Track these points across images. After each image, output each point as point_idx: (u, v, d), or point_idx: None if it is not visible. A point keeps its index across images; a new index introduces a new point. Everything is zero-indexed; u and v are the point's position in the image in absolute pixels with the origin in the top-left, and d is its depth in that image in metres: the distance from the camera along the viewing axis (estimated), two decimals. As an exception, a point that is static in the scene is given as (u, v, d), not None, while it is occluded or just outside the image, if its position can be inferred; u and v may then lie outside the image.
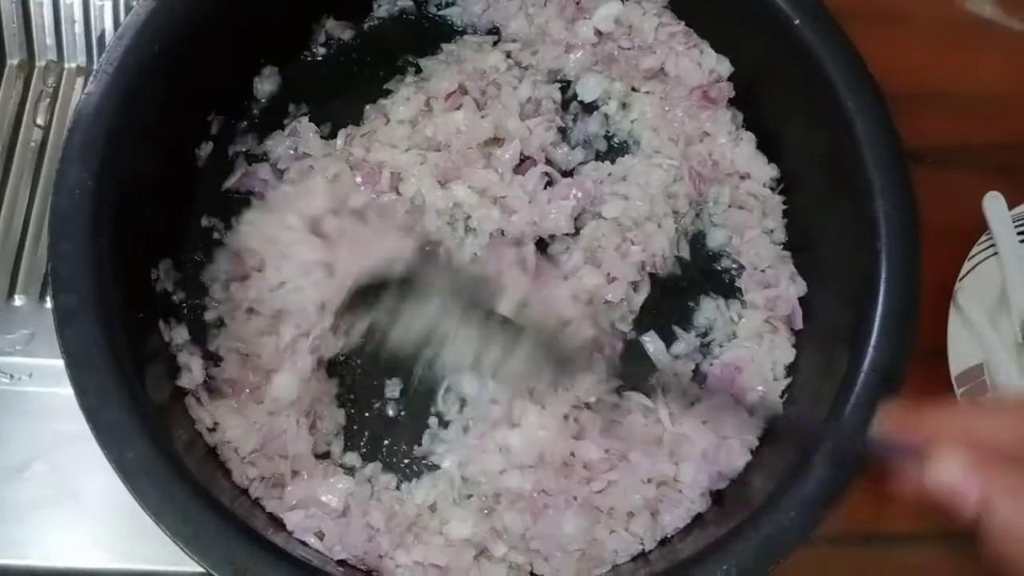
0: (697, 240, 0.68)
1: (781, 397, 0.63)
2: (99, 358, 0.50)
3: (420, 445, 0.61)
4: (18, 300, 0.66)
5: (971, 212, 0.70)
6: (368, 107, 0.68)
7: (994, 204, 0.70)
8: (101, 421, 0.49)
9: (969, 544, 0.65)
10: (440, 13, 0.72)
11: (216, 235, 0.65)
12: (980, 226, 0.70)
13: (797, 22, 0.60)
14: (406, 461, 0.61)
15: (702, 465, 0.60)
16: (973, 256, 0.70)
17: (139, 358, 0.53)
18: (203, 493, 0.49)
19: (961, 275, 0.69)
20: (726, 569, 0.50)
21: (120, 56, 0.54)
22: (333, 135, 0.67)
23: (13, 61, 0.73)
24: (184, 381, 0.59)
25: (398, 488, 0.60)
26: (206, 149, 0.66)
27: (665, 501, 0.59)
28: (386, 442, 0.62)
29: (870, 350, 0.54)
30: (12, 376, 0.64)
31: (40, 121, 0.71)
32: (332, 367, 0.62)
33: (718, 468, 0.60)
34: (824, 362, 0.60)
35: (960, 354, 0.67)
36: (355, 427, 0.62)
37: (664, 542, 0.58)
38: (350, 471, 0.59)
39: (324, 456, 0.60)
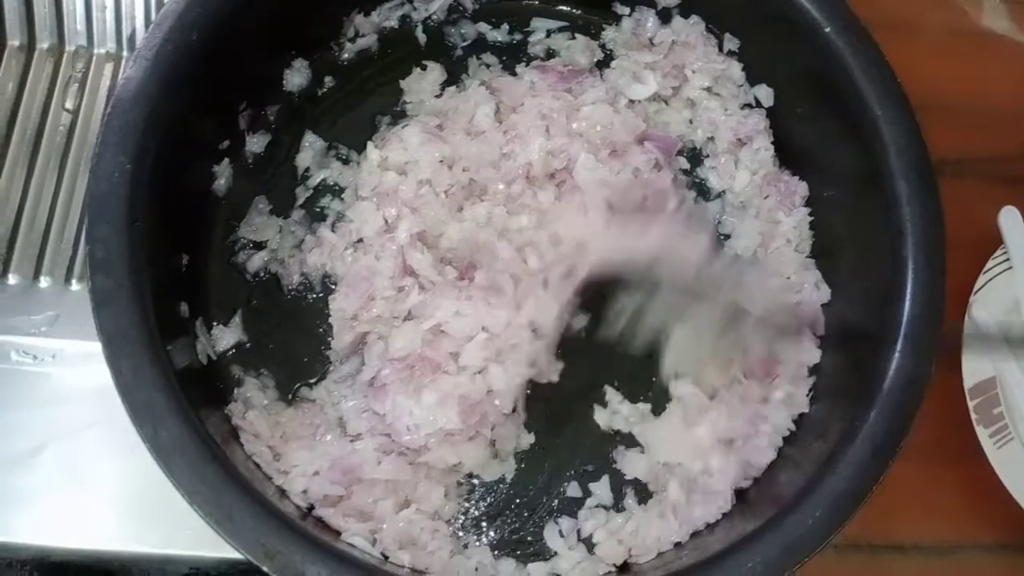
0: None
1: (808, 395, 0.63)
2: (135, 339, 0.50)
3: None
4: (43, 282, 0.67)
5: (986, 224, 0.71)
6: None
7: (1010, 218, 0.71)
8: (136, 400, 0.49)
9: (975, 554, 0.69)
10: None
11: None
12: (993, 237, 0.71)
13: (828, 30, 0.60)
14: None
15: (730, 457, 0.60)
16: (988, 269, 0.70)
17: (166, 336, 0.53)
18: (236, 476, 0.50)
19: (976, 288, 0.69)
20: (751, 567, 0.51)
21: (159, 42, 0.55)
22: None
23: (43, 45, 0.73)
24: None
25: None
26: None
27: (697, 493, 0.60)
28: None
29: (896, 355, 0.54)
30: (35, 357, 0.64)
31: (69, 106, 0.72)
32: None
33: (747, 462, 0.61)
34: (849, 365, 0.61)
35: (974, 366, 0.67)
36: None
37: (695, 535, 0.59)
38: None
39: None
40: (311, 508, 0.57)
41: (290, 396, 0.62)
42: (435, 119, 0.67)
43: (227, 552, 0.58)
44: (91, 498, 0.62)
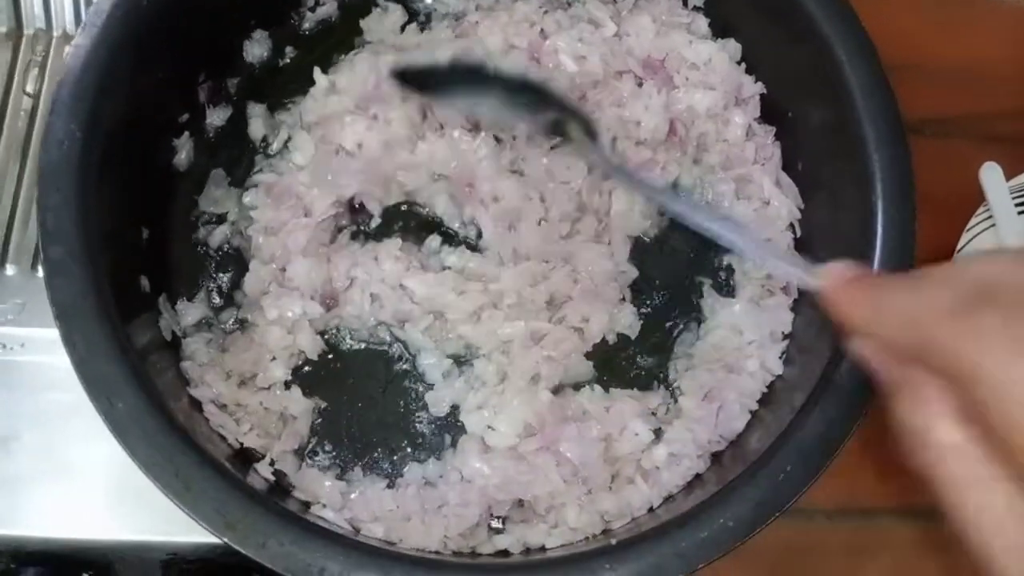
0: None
1: (780, 358, 0.62)
2: (88, 310, 0.49)
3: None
4: (9, 270, 0.66)
5: (969, 182, 0.69)
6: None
7: (991, 175, 0.69)
8: (90, 372, 0.48)
9: None
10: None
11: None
12: (978, 196, 0.69)
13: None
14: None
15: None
16: (971, 228, 0.69)
17: (125, 311, 0.52)
18: (194, 446, 0.49)
19: (960, 246, 0.68)
20: (722, 522, 0.50)
21: (109, 8, 0.54)
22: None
23: (1, 29, 0.72)
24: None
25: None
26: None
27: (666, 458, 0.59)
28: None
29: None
30: (4, 346, 0.64)
31: (29, 89, 0.71)
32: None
33: (718, 431, 0.60)
34: (820, 322, 0.59)
35: None
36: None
37: (669, 499, 0.58)
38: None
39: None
40: (278, 482, 0.56)
41: (230, 323, 0.62)
42: (391, 49, 0.66)
43: (204, 537, 0.57)
44: (66, 486, 0.61)
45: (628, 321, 0.64)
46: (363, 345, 0.63)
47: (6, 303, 0.65)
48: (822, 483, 0.51)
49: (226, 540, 0.47)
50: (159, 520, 0.60)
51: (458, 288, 0.61)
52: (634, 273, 0.65)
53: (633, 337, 0.64)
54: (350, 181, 0.63)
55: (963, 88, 0.78)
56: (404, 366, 0.62)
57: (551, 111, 0.60)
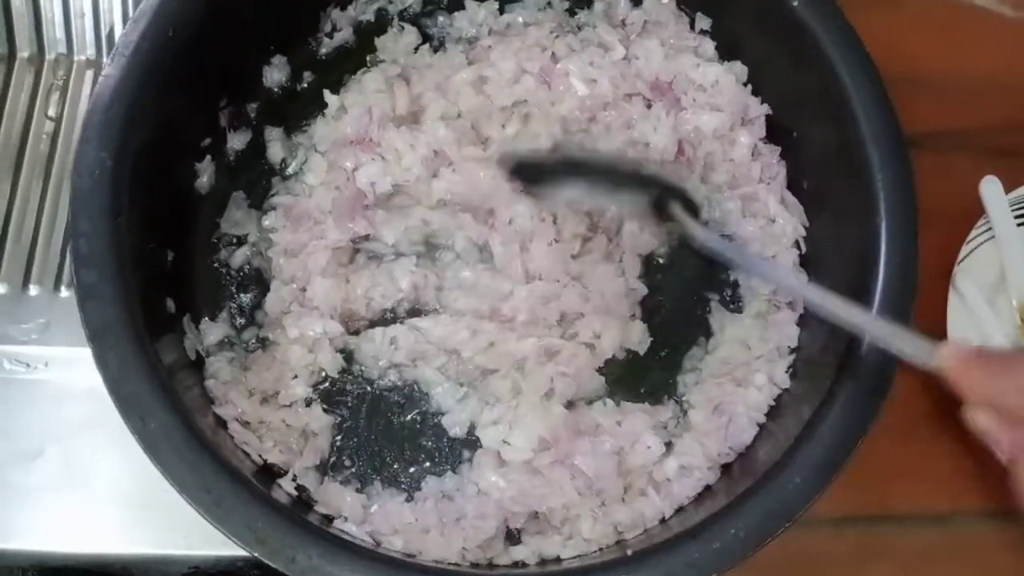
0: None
1: (787, 372, 0.64)
2: (120, 331, 0.51)
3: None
4: (33, 290, 0.67)
5: (969, 195, 0.71)
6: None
7: (990, 188, 0.71)
8: (123, 392, 0.50)
9: (971, 521, 0.69)
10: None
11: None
12: (978, 209, 0.71)
13: (795, 4, 0.61)
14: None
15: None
16: (971, 240, 0.70)
17: (153, 332, 0.53)
18: (224, 462, 0.50)
19: (960, 258, 0.69)
20: (734, 533, 0.51)
21: (136, 39, 0.56)
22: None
23: (24, 54, 0.73)
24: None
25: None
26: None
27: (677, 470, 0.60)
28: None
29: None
30: (28, 365, 0.65)
31: (51, 113, 0.72)
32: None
33: (728, 443, 0.61)
34: (826, 337, 0.61)
35: (959, 337, 0.67)
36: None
37: (680, 510, 0.60)
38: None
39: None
40: (300, 496, 0.58)
41: (251, 341, 0.64)
42: (399, 68, 0.68)
43: (225, 550, 0.59)
44: (90, 500, 0.62)
45: (638, 337, 0.65)
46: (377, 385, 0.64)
47: (30, 323, 0.66)
48: (828, 492, 0.52)
49: (256, 555, 0.48)
50: (180, 534, 0.61)
51: (472, 327, 0.63)
52: (644, 291, 0.66)
53: (643, 353, 0.66)
54: (363, 222, 0.65)
55: (963, 102, 0.79)
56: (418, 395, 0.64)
57: (651, 190, 0.61)
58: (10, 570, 0.63)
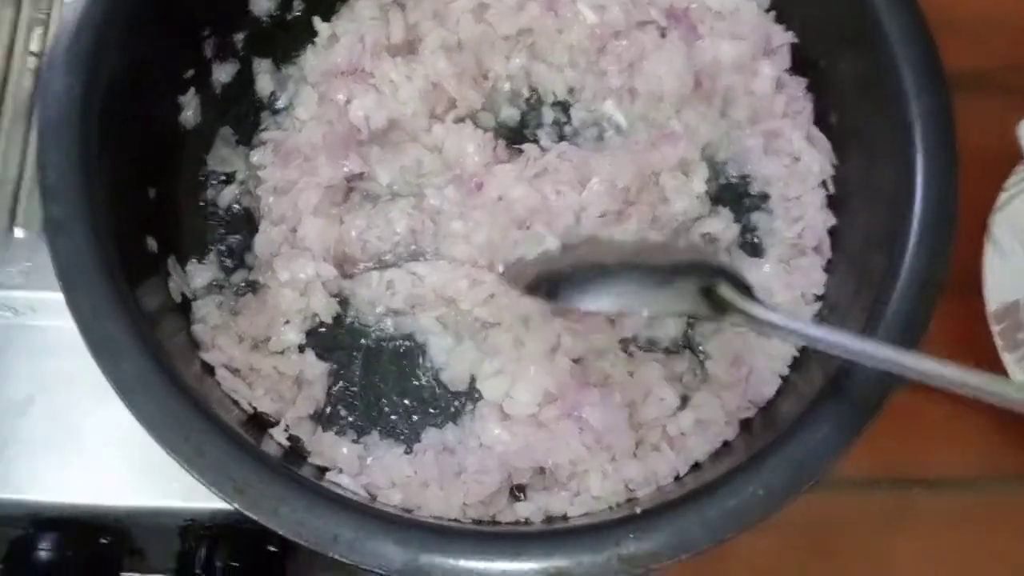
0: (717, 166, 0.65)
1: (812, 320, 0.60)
2: (92, 270, 0.48)
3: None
4: (18, 232, 0.65)
5: (1007, 139, 0.67)
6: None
7: (1030, 131, 0.66)
8: (95, 334, 0.47)
9: (1004, 485, 0.66)
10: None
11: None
12: (1014, 154, 0.67)
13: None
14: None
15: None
16: (1008, 187, 0.67)
17: (132, 272, 0.51)
18: (204, 410, 0.48)
19: (997, 206, 0.66)
20: (752, 491, 0.48)
21: (107, -40, 0.52)
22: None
23: (2, -13, 0.71)
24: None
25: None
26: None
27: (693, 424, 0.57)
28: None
29: (907, 258, 0.51)
30: (15, 310, 0.63)
31: (34, 48, 0.69)
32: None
33: (748, 396, 0.58)
34: (856, 283, 0.57)
35: (997, 289, 0.64)
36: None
37: (696, 467, 0.56)
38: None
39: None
40: (293, 446, 0.55)
41: (240, 284, 0.61)
42: None
43: (222, 503, 0.57)
44: (82, 451, 0.60)
45: (672, 333, 0.61)
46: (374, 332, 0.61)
47: (15, 266, 0.64)
48: (854, 453, 0.49)
49: (236, 506, 0.45)
50: (176, 486, 0.58)
51: (471, 277, 0.59)
52: None
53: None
54: (357, 160, 0.62)
55: (1001, 42, 0.76)
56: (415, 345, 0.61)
57: (694, 278, 0.50)
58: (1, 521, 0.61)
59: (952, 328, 0.60)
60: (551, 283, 0.55)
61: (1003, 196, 0.66)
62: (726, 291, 0.48)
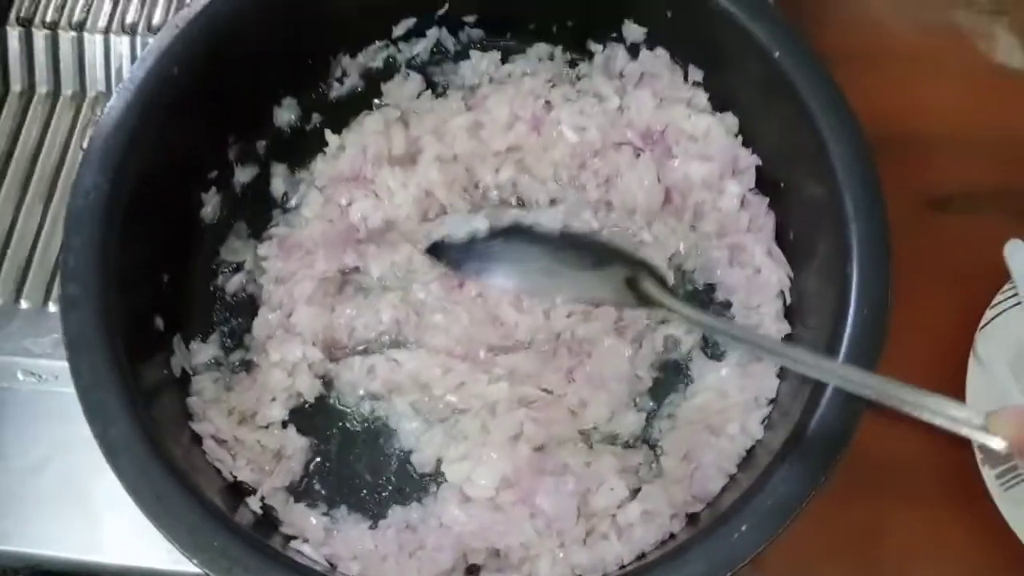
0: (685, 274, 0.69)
1: (762, 423, 0.63)
2: (95, 341, 0.53)
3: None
4: (52, 307, 0.72)
5: (995, 258, 0.69)
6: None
7: (1016, 252, 0.68)
8: (91, 400, 0.53)
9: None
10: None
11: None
12: (1003, 274, 0.69)
13: (776, 55, 0.62)
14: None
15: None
16: (996, 304, 0.68)
17: (138, 347, 0.56)
18: (178, 473, 0.52)
19: (982, 323, 0.67)
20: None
21: (142, 76, 0.60)
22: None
23: (67, 92, 0.80)
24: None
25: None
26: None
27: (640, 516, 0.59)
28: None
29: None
30: (40, 377, 0.69)
31: (86, 146, 0.77)
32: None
33: (692, 491, 0.60)
34: (799, 389, 0.60)
35: (978, 402, 0.65)
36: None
37: (641, 558, 0.59)
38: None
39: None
40: (266, 515, 0.59)
41: (236, 363, 0.66)
42: (399, 111, 0.71)
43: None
44: (88, 511, 0.65)
45: (631, 429, 0.64)
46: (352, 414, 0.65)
47: (45, 337, 0.70)
48: (775, 548, 0.51)
49: (195, 562, 0.49)
50: (171, 552, 0.59)
51: (444, 365, 0.64)
52: (649, 384, 0.66)
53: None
54: (353, 255, 0.68)
55: (993, 163, 0.78)
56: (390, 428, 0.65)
57: (614, 266, 0.57)
58: (3, 571, 0.66)
59: (935, 442, 0.60)
60: (460, 251, 0.59)
61: (989, 313, 0.68)
62: (648, 284, 0.53)
